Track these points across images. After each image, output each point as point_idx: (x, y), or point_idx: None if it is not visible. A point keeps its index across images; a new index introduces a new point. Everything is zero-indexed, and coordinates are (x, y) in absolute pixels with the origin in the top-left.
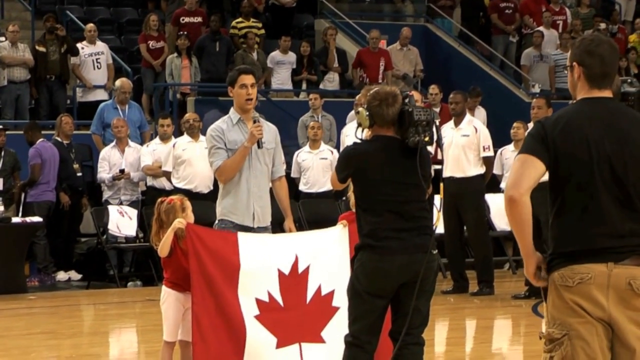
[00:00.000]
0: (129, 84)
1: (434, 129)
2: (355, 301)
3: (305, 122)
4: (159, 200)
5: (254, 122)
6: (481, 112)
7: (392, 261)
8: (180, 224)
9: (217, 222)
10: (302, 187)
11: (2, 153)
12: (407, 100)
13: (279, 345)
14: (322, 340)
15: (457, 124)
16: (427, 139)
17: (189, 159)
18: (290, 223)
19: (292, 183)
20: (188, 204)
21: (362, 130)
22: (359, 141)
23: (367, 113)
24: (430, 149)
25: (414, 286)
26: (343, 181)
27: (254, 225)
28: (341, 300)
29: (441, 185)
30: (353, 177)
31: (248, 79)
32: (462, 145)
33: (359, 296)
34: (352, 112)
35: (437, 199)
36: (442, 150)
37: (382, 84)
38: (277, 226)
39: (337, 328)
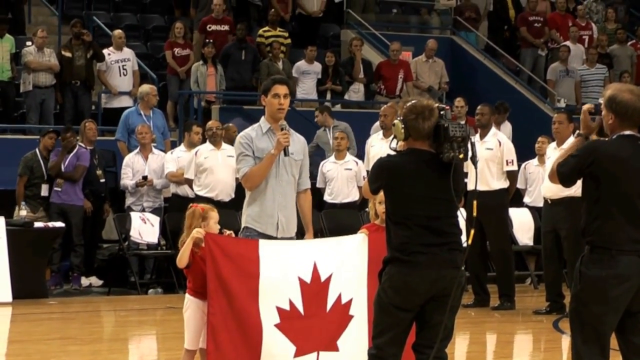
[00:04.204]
0: (154, 87)
1: (469, 146)
2: (382, 314)
3: (319, 135)
4: (190, 206)
5: (281, 129)
6: (507, 126)
7: (421, 276)
8: (198, 234)
9: (242, 229)
10: (326, 198)
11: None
12: (443, 114)
13: (297, 354)
14: (336, 349)
15: (482, 136)
16: (461, 155)
17: (210, 167)
18: (310, 237)
19: (318, 193)
20: (213, 214)
21: (397, 142)
22: (392, 152)
23: (403, 126)
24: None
25: (440, 300)
26: (375, 192)
27: (277, 235)
28: (356, 309)
29: (474, 202)
30: (385, 189)
31: (282, 89)
32: (486, 158)
33: (385, 309)
34: (377, 124)
35: (462, 212)
36: (476, 168)
37: (404, 96)
38: (301, 237)
39: (351, 336)
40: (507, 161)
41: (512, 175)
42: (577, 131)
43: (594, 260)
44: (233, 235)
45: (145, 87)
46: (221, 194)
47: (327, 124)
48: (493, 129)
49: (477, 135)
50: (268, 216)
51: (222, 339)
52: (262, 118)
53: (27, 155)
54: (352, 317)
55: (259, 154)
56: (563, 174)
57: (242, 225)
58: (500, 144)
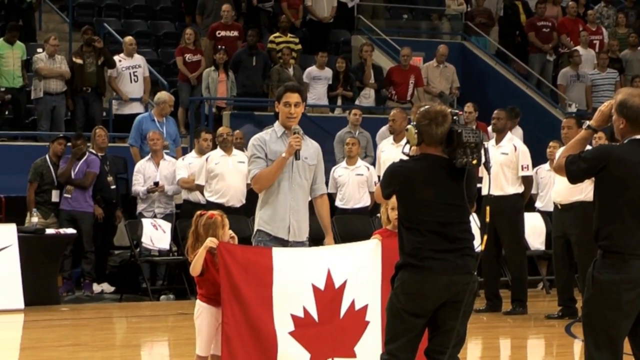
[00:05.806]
0: (172, 97)
1: (482, 152)
2: (394, 320)
3: (343, 137)
4: (198, 213)
5: (293, 133)
6: (518, 131)
7: (434, 282)
8: (212, 243)
9: (254, 232)
10: (337, 203)
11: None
12: (455, 119)
13: None
14: (354, 355)
15: (497, 141)
16: (475, 161)
17: (221, 173)
18: (331, 240)
19: (329, 198)
20: (227, 221)
21: (410, 147)
22: (405, 157)
23: (416, 131)
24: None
25: (453, 306)
26: (388, 197)
27: (288, 238)
28: (372, 315)
29: (487, 208)
30: (397, 194)
31: (292, 97)
32: (501, 163)
33: (398, 315)
34: (384, 128)
35: (475, 218)
36: (489, 173)
37: (415, 101)
38: (315, 243)
39: (368, 342)
40: (522, 166)
41: (527, 181)
42: (587, 123)
43: (607, 265)
44: (236, 238)
45: (164, 95)
46: (232, 199)
47: (356, 128)
48: (509, 134)
49: (493, 140)
50: (280, 219)
51: (236, 348)
52: (277, 122)
53: (37, 162)
54: (368, 323)
55: (272, 156)
56: (572, 172)
57: (255, 228)
58: (515, 149)
